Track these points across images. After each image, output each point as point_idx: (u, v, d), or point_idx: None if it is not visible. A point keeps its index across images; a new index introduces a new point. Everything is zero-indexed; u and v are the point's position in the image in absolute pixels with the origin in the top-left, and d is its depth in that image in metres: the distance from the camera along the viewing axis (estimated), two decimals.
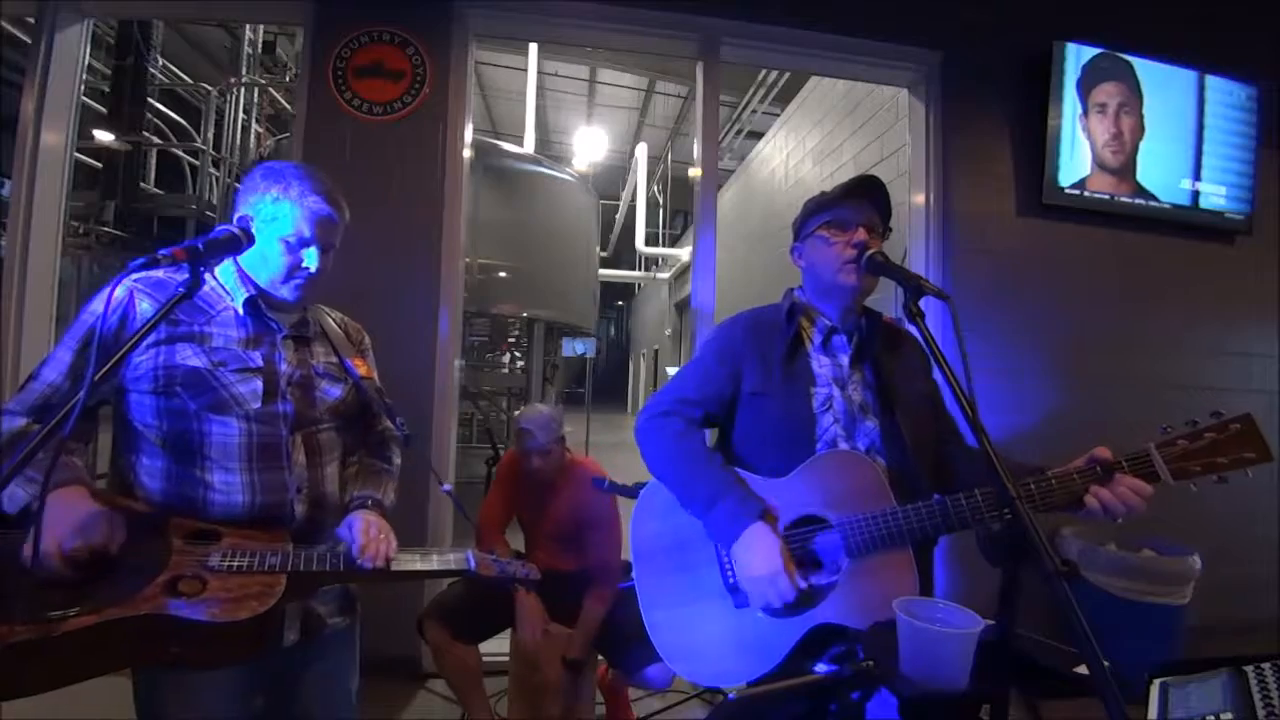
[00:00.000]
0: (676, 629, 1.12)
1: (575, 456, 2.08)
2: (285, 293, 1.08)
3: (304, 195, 1.05)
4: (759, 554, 1.03)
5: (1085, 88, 2.65)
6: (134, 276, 0.97)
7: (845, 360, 1.19)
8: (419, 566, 1.08)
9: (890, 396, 1.15)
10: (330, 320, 1.23)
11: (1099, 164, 2.68)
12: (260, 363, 1.05)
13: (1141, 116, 2.72)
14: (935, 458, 1.19)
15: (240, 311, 1.06)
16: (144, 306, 0.98)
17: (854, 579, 1.04)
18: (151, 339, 0.97)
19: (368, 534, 1.04)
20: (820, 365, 1.18)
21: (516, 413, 2.03)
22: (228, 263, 1.08)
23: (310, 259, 1.06)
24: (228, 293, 1.07)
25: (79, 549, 0.84)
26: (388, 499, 1.19)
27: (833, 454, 1.11)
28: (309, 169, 1.09)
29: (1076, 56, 2.64)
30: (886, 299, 2.91)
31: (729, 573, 1.10)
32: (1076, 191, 2.66)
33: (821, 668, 0.78)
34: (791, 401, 1.15)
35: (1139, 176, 2.72)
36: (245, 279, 1.07)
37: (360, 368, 1.18)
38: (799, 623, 1.04)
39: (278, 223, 1.04)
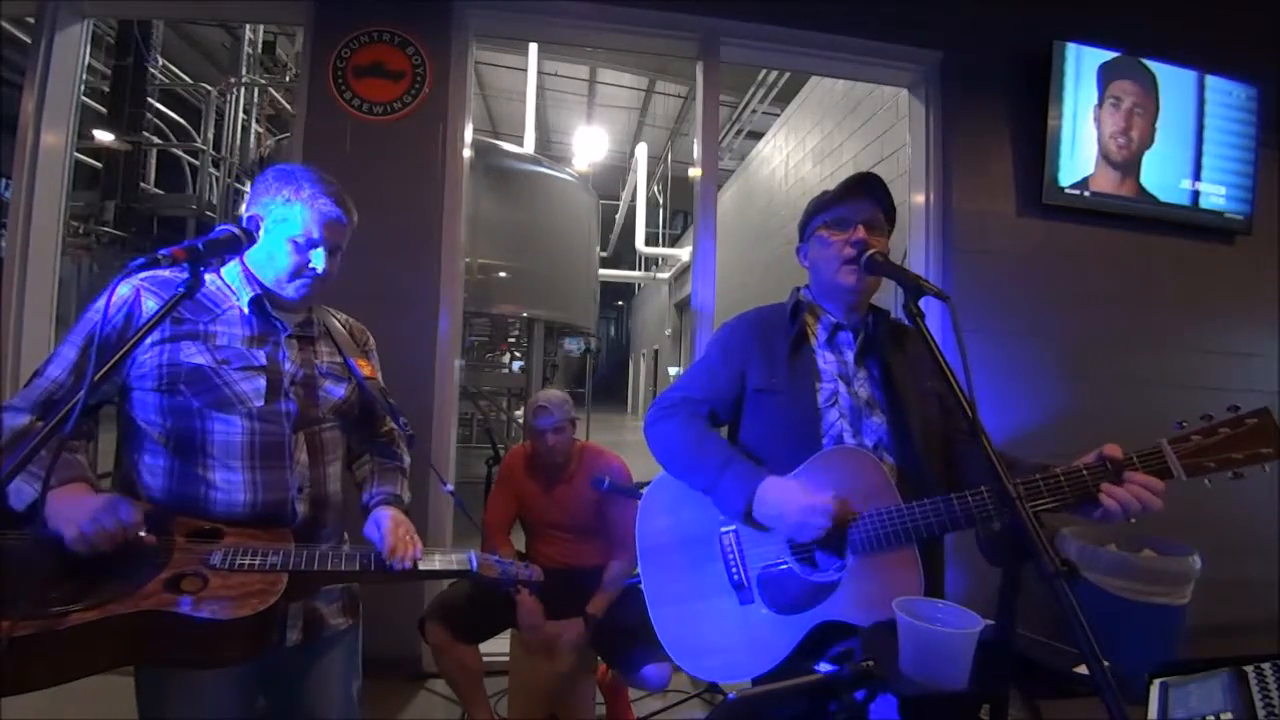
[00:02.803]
0: (682, 625, 1.13)
1: (584, 442, 2.12)
2: (290, 291, 1.09)
3: (315, 197, 1.07)
4: (781, 499, 1.04)
5: (1105, 79, 2.67)
6: (141, 275, 0.98)
7: (850, 357, 1.19)
8: (422, 566, 1.09)
9: (897, 393, 1.16)
10: (335, 321, 1.24)
11: (1103, 155, 2.68)
12: (264, 361, 1.05)
13: (1154, 127, 2.72)
14: (946, 455, 1.18)
15: (245, 310, 1.07)
16: (150, 305, 0.99)
17: (858, 576, 1.04)
18: (156, 337, 0.98)
19: (396, 533, 1.08)
20: (825, 361, 1.19)
21: (529, 401, 2.09)
22: (234, 262, 1.09)
23: (317, 260, 1.08)
24: (233, 292, 1.08)
25: (116, 528, 0.86)
26: (405, 496, 1.23)
27: (837, 451, 1.11)
28: (321, 173, 1.11)
29: (1077, 56, 2.64)
30: (887, 299, 2.91)
31: (734, 569, 1.11)
32: (1077, 191, 2.66)
33: (824, 667, 0.78)
34: (797, 397, 1.16)
35: (1141, 178, 2.72)
36: (251, 278, 1.08)
37: (364, 368, 1.19)
38: (803, 619, 1.04)
39: (288, 223, 1.06)
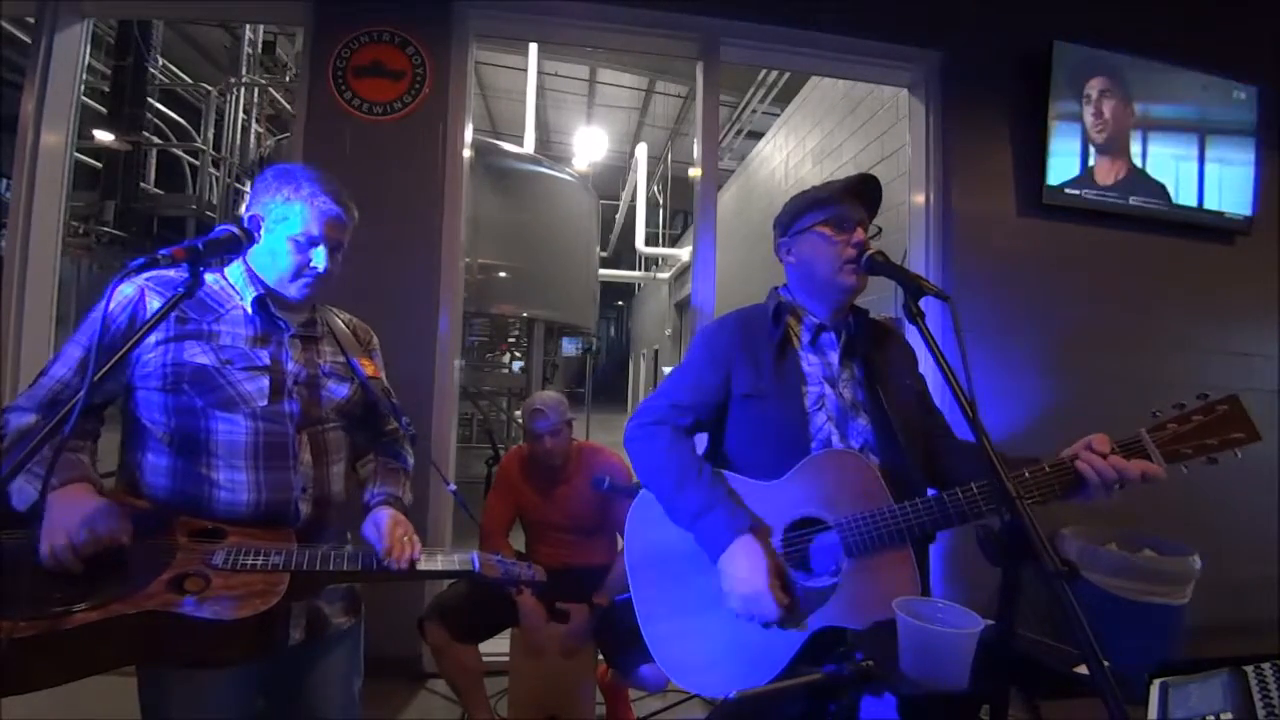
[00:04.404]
0: (678, 642, 1.11)
1: (582, 442, 2.12)
2: (293, 291, 1.09)
3: (314, 195, 1.07)
4: (744, 569, 1.02)
5: (1105, 79, 2.69)
6: (146, 275, 0.99)
7: (835, 358, 1.19)
8: (423, 567, 1.09)
9: (881, 393, 1.15)
10: (338, 320, 1.24)
11: (1102, 155, 2.69)
12: (267, 361, 1.06)
13: (1153, 127, 2.74)
14: (926, 453, 1.18)
15: (249, 310, 1.07)
16: (154, 305, 0.99)
17: (855, 579, 1.03)
18: (160, 336, 0.99)
19: (394, 534, 1.07)
20: (810, 364, 1.18)
21: (525, 402, 2.08)
22: (237, 262, 1.10)
23: (318, 258, 1.08)
24: (237, 292, 1.08)
25: (89, 543, 0.85)
26: (406, 497, 1.22)
27: (827, 454, 1.10)
28: (320, 172, 1.10)
29: (1076, 57, 2.64)
30: (885, 299, 2.91)
31: None
32: (1076, 191, 2.66)
33: (826, 667, 0.78)
34: (784, 402, 1.15)
35: (1140, 179, 2.72)
36: (254, 278, 1.08)
37: (367, 368, 1.19)
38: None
39: (288, 222, 1.06)
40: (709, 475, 1.12)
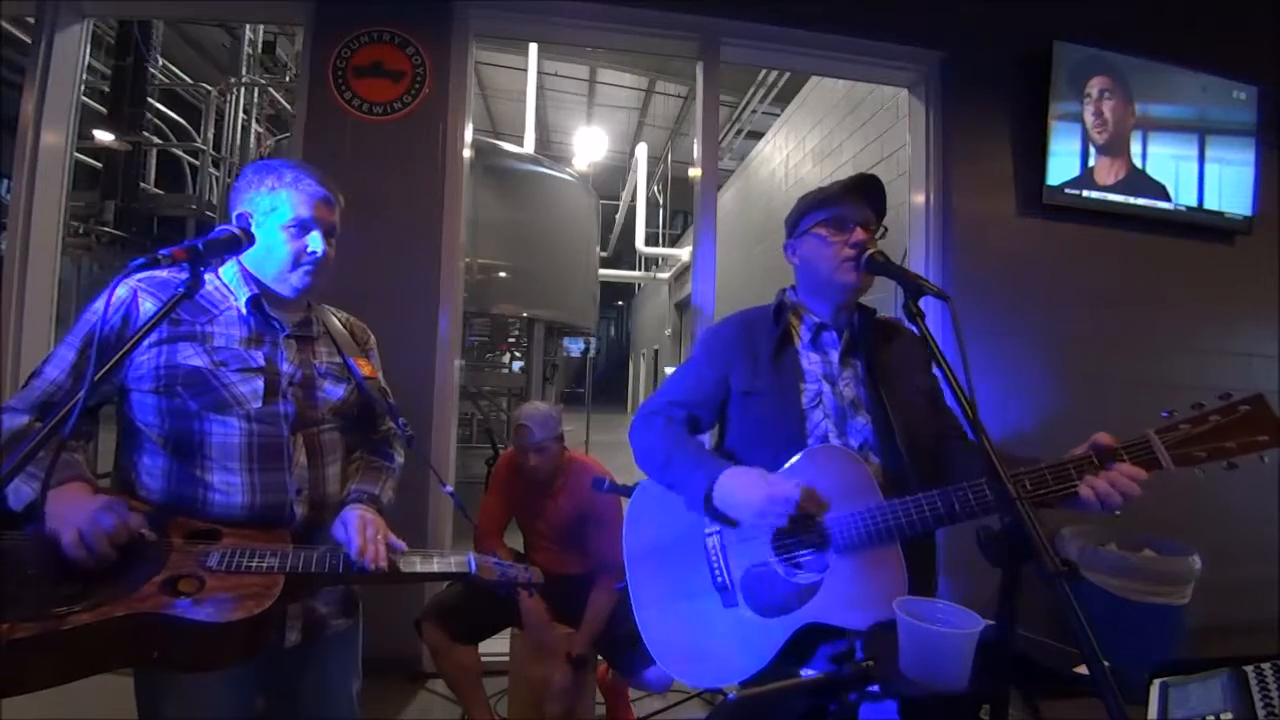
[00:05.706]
0: (666, 628, 1.12)
1: (575, 455, 2.08)
2: (295, 281, 1.08)
3: (298, 180, 1.06)
4: (742, 486, 1.03)
5: (1105, 79, 2.69)
6: (138, 276, 0.98)
7: (835, 356, 1.19)
8: (419, 569, 1.08)
9: (883, 392, 1.15)
10: (335, 320, 1.23)
11: (1102, 155, 2.69)
12: (262, 362, 1.05)
13: (1153, 127, 2.74)
14: (934, 454, 1.17)
15: (243, 311, 1.06)
16: (147, 306, 0.99)
17: (841, 576, 1.03)
18: (153, 338, 0.97)
19: (364, 534, 1.03)
20: (810, 362, 1.18)
21: (515, 412, 2.04)
22: (231, 262, 1.08)
23: (314, 242, 1.07)
24: (231, 292, 1.07)
25: (119, 528, 0.86)
26: (385, 495, 1.19)
27: (819, 450, 1.11)
28: (298, 160, 1.10)
29: (1076, 56, 2.64)
30: (886, 299, 2.91)
31: (717, 572, 1.11)
32: (1076, 191, 2.66)
33: (824, 666, 0.78)
34: (781, 398, 1.15)
35: (1140, 179, 2.72)
36: (249, 278, 1.07)
37: (364, 368, 1.18)
38: (787, 622, 1.03)
39: (277, 212, 1.05)
40: (699, 446, 1.16)
